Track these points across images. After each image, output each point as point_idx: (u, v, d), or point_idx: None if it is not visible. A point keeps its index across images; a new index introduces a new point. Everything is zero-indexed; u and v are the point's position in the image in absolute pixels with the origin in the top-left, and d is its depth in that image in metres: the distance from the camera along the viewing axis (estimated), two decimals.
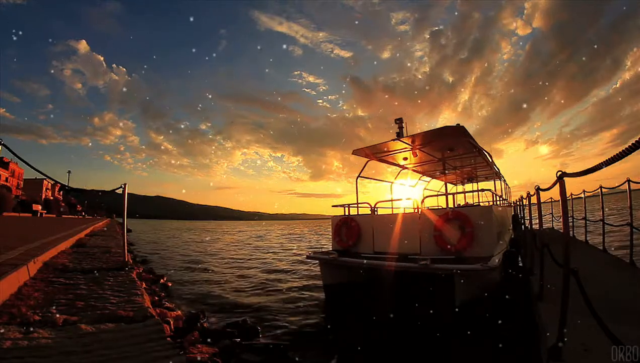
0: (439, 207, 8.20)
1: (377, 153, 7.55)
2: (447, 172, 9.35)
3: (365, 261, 5.42)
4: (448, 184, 11.67)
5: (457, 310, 4.19)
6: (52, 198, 73.65)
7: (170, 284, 6.82)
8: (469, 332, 3.80)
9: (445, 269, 4.36)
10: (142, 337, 2.52)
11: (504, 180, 10.70)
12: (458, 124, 5.62)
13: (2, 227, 13.05)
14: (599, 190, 6.18)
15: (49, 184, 75.43)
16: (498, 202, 7.97)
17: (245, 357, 3.28)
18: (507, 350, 3.27)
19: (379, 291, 5.58)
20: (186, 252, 14.53)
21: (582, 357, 2.07)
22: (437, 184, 12.41)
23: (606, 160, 1.53)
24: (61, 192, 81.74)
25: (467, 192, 9.50)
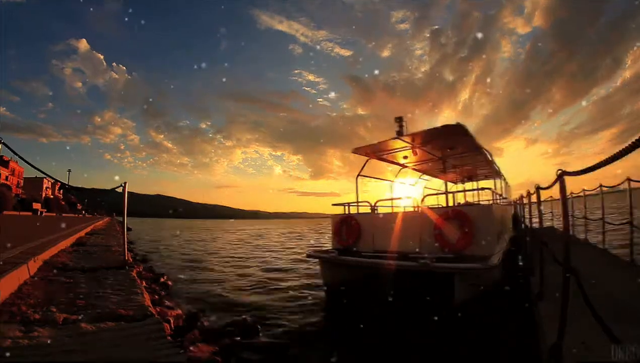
0: (439, 206, 8.21)
1: (377, 152, 7.55)
2: (447, 170, 9.35)
3: (365, 260, 5.43)
4: (448, 183, 11.67)
5: (456, 308, 4.19)
6: (52, 196, 73.70)
7: (170, 283, 6.82)
8: (468, 331, 3.81)
9: (445, 268, 4.37)
10: (142, 335, 2.52)
11: (504, 179, 10.70)
12: (458, 123, 5.61)
13: (2, 226, 13.06)
14: (599, 188, 6.18)
15: (49, 183, 75.49)
16: (498, 201, 7.97)
17: (245, 355, 3.29)
18: (507, 350, 3.27)
19: (379, 290, 5.58)
20: (186, 251, 14.54)
21: (582, 356, 2.07)
22: (437, 183, 12.41)
23: (606, 158, 1.52)
24: (61, 191, 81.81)
25: (468, 190, 9.49)
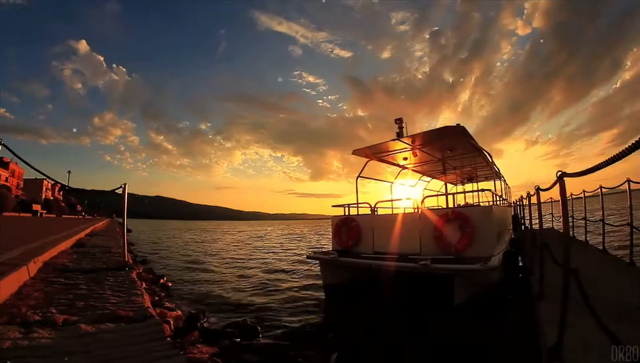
0: (439, 207, 8.20)
1: (377, 153, 7.55)
2: (447, 172, 9.36)
3: (365, 261, 5.42)
4: (448, 184, 11.67)
5: (456, 309, 4.19)
6: (52, 198, 73.68)
7: (170, 284, 6.82)
8: (468, 332, 3.81)
9: (445, 269, 4.36)
10: (142, 337, 2.52)
11: (504, 180, 10.70)
12: (458, 124, 5.61)
13: (2, 227, 13.05)
14: (599, 190, 6.17)
15: (49, 184, 75.44)
16: (498, 202, 7.97)
17: (246, 357, 3.28)
18: (507, 350, 3.27)
19: (379, 291, 5.58)
20: (186, 252, 14.54)
21: (582, 357, 2.07)
22: (437, 184, 12.41)
23: (606, 160, 1.52)
24: (61, 192, 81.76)
25: (467, 192, 9.49)
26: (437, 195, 11.06)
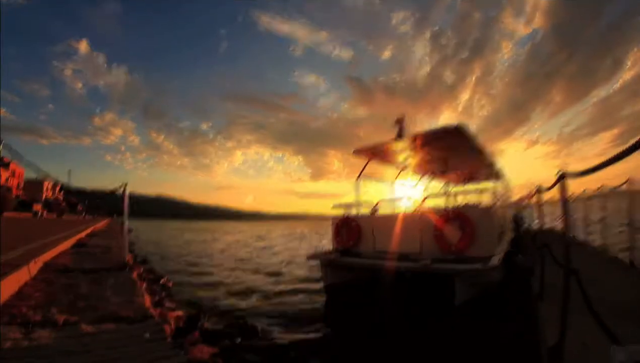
0: (440, 207, 8.19)
1: (378, 153, 7.55)
2: (447, 172, 9.34)
3: (365, 261, 5.42)
4: (449, 184, 11.65)
5: (457, 309, 4.19)
6: (52, 198, 73.70)
7: (170, 284, 6.81)
8: (469, 332, 3.81)
9: (446, 269, 4.36)
10: (143, 337, 2.52)
11: (505, 180, 10.70)
12: (459, 124, 5.61)
13: (2, 228, 13.07)
14: (600, 190, 6.17)
15: (50, 184, 75.37)
16: (499, 202, 7.96)
17: (246, 357, 3.29)
18: (508, 350, 3.27)
19: (380, 291, 5.58)
20: (187, 252, 14.53)
21: (582, 357, 2.06)
22: (437, 184, 12.39)
23: (606, 160, 1.52)
24: (62, 192, 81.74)
25: (468, 192, 9.45)
26: (437, 195, 11.03)
